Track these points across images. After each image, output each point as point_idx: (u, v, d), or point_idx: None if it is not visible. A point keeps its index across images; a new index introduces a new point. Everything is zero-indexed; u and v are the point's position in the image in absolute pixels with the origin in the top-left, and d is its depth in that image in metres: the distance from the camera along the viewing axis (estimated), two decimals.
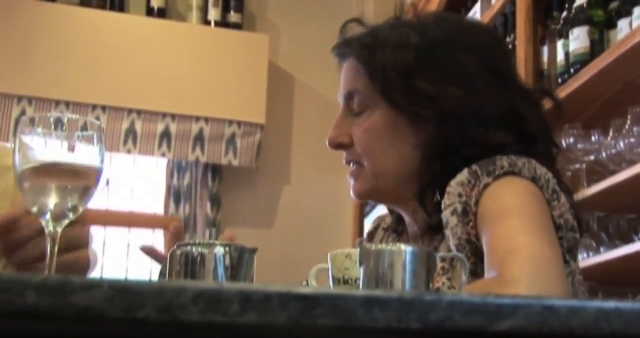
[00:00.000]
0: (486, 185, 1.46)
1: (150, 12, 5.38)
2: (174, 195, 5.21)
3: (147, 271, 5.22)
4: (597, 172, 2.91)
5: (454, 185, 1.49)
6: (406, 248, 1.10)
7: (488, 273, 1.32)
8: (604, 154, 2.87)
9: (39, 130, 1.22)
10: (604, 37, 2.91)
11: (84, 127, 1.24)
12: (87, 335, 0.75)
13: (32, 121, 1.23)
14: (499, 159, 1.50)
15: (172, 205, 5.20)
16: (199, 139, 5.15)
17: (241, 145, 5.19)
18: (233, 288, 0.72)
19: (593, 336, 0.77)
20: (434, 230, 1.57)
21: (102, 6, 5.26)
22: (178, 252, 1.17)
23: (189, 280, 1.13)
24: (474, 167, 1.49)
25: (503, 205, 1.42)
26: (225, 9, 5.45)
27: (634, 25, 2.68)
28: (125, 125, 5.08)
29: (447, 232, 1.47)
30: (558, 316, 0.76)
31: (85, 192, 1.23)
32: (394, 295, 0.75)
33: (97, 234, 5.15)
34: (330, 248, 1.35)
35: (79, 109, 5.00)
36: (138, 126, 5.10)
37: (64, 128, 1.22)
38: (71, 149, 1.22)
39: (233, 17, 5.45)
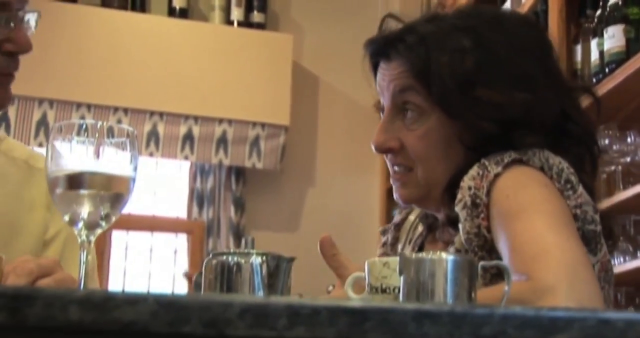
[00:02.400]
0: (497, 175, 1.45)
1: (172, 12, 5.36)
2: (197, 198, 5.20)
3: (169, 277, 5.23)
4: (634, 174, 2.88)
5: (466, 180, 1.48)
6: (447, 257, 1.08)
7: (514, 275, 1.29)
8: None
9: (72, 137, 1.20)
10: (639, 36, 2.87)
11: (117, 134, 1.22)
12: None
13: (64, 128, 1.21)
14: (509, 151, 1.49)
15: (195, 209, 5.19)
16: (223, 141, 5.14)
17: (265, 148, 5.18)
18: (281, 303, 0.71)
19: None
20: (452, 223, 1.55)
21: (123, 7, 5.25)
22: (214, 261, 1.15)
23: (235, 294, 1.11)
24: (483, 160, 1.49)
25: (519, 201, 1.40)
26: (249, 9, 5.42)
27: None
28: (147, 127, 5.07)
29: (460, 226, 1.46)
30: (614, 330, 0.74)
31: (118, 200, 1.21)
32: (445, 308, 0.73)
33: (120, 239, 5.15)
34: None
35: (100, 111, 5.00)
36: (160, 129, 5.09)
37: (96, 135, 1.20)
38: (103, 156, 1.20)
39: (256, 17, 5.42)
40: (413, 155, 1.60)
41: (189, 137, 5.11)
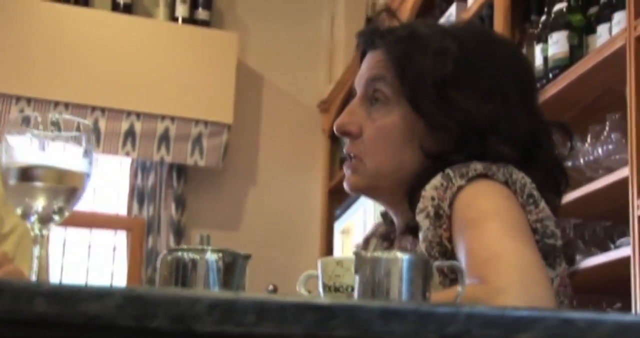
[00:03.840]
0: (460, 188, 1.45)
1: (115, 7, 5.33)
2: (138, 195, 5.16)
3: (108, 274, 5.18)
4: (574, 178, 2.92)
5: (428, 189, 1.48)
6: (403, 257, 1.08)
7: (469, 279, 1.30)
8: (581, 161, 2.87)
9: (27, 130, 1.19)
10: (583, 43, 2.91)
11: (72, 128, 1.21)
12: None
13: (21, 121, 1.20)
14: (474, 163, 1.49)
15: (135, 206, 5.15)
16: (165, 138, 5.11)
17: (208, 146, 5.16)
18: (248, 299, 0.71)
19: None
20: (412, 231, 1.56)
21: (66, 0, 5.20)
22: (169, 257, 1.14)
23: (203, 290, 1.10)
24: (447, 170, 1.49)
25: (479, 210, 1.41)
26: (194, 6, 5.41)
27: (614, 31, 2.68)
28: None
29: (420, 234, 1.47)
30: (576, 329, 0.76)
31: (72, 194, 1.20)
32: (411, 307, 0.74)
33: (58, 235, 5.09)
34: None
35: (40, 105, 4.94)
36: (102, 124, 5.04)
37: (52, 129, 1.19)
38: (57, 149, 1.19)
39: (201, 14, 5.41)
40: (366, 143, 1.62)
41: (130, 133, 5.08)
